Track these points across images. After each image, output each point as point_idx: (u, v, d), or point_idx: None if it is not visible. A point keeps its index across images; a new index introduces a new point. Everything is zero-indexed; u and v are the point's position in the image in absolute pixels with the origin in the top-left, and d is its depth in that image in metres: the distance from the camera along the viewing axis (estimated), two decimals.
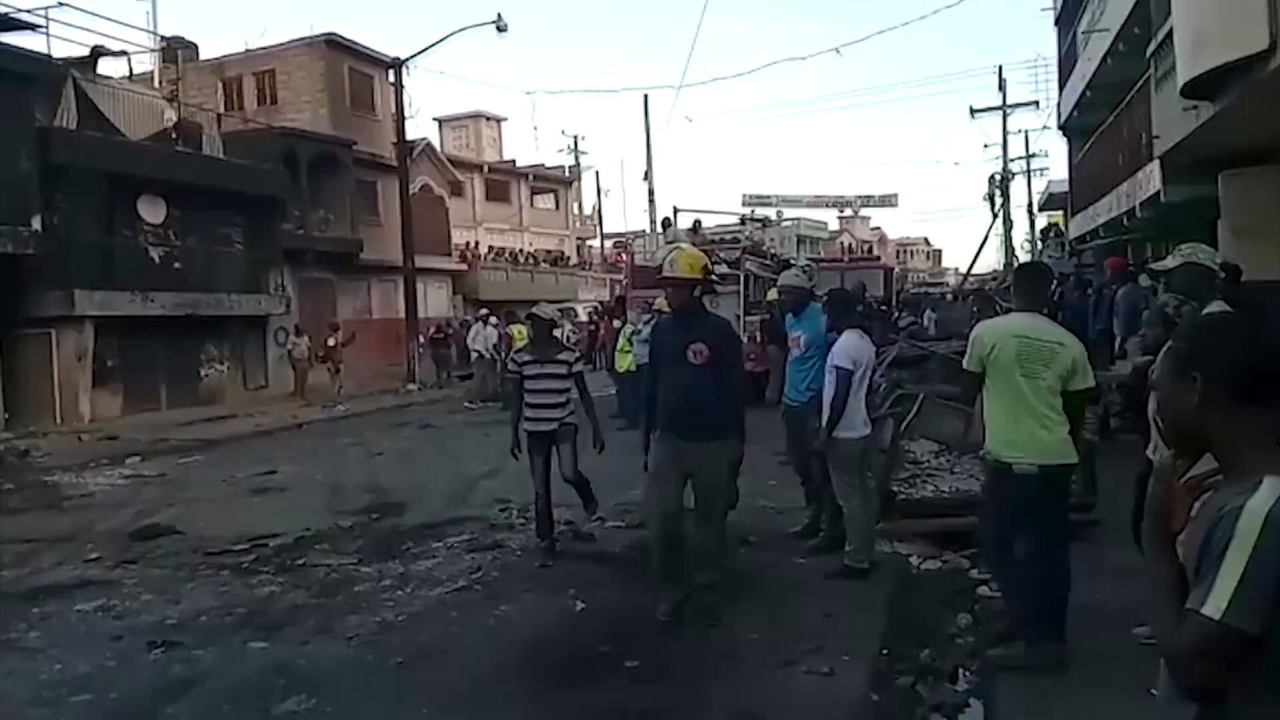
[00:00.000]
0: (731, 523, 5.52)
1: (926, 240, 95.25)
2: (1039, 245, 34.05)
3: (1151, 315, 5.57)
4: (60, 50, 18.45)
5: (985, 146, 70.32)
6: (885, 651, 4.57)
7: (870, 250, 46.59)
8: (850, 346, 5.73)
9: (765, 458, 8.98)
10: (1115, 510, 5.23)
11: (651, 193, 35.15)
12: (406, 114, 23.30)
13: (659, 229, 24.43)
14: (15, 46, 16.10)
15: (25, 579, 6.64)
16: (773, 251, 19.51)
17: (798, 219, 31.99)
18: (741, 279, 15.93)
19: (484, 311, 22.15)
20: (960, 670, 4.37)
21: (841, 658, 4.44)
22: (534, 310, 6.86)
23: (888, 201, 52.32)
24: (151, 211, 18.35)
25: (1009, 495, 4.13)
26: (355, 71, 25.81)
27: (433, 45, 22.92)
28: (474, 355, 20.45)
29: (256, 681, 4.54)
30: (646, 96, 39.72)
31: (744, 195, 42.48)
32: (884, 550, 6.10)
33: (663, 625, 4.94)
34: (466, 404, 18.79)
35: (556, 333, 7.22)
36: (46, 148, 15.75)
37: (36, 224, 15.10)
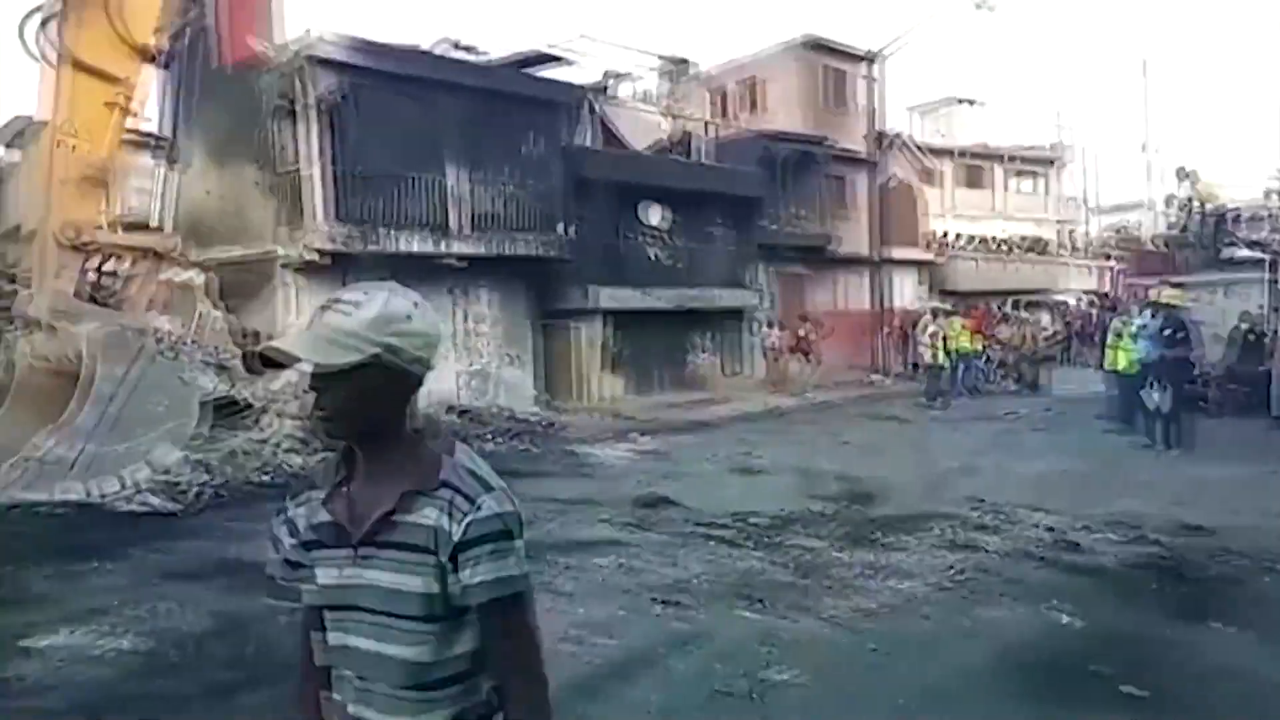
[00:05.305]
0: (1250, 542, 4.74)
1: None
2: None
3: None
4: (580, 76, 21.50)
5: None
6: None
7: None
8: None
9: None
10: None
11: (1150, 167, 31.35)
12: (877, 105, 23.33)
13: (1163, 206, 21.70)
14: (548, 79, 19.04)
15: (557, 533, 7.91)
16: None
17: None
18: (1268, 264, 13.69)
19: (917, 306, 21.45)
20: None
21: None
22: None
23: None
24: (652, 215, 20.62)
25: None
26: (830, 69, 26.43)
27: (906, 33, 22.72)
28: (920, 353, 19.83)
29: (744, 646, 4.97)
30: (1145, 61, 35.37)
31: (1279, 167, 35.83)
32: None
33: (1173, 652, 4.45)
34: (924, 403, 18.06)
35: (416, 423, 1.61)
36: (571, 164, 18.42)
37: (561, 230, 17.77)
